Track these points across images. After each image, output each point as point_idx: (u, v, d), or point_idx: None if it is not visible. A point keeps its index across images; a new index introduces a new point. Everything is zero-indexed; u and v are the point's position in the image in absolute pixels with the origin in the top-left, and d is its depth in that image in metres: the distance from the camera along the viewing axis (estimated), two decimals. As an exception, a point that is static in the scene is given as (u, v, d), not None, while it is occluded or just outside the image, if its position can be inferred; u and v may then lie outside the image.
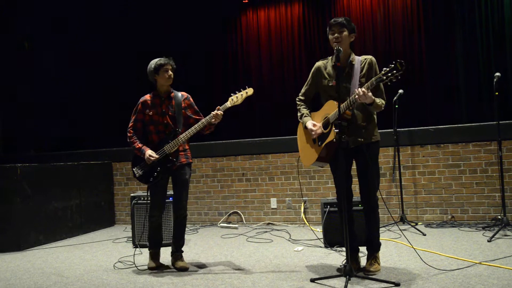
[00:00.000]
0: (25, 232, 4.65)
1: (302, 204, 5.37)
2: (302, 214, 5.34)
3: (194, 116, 3.60)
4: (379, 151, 3.22)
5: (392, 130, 4.87)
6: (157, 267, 3.54)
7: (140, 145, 3.48)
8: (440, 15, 6.52)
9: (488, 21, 6.12)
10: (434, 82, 6.51)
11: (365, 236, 3.19)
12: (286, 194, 5.48)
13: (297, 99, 3.35)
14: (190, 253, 4.08)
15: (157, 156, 3.41)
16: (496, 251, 3.49)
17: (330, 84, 3.09)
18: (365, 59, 3.06)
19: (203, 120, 3.42)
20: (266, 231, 5.00)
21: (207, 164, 5.82)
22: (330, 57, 3.17)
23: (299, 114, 3.27)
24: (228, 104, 3.39)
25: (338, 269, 3.20)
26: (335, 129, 2.86)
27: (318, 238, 4.34)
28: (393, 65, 2.68)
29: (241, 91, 3.41)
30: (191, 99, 3.64)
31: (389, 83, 2.75)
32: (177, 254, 3.58)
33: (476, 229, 4.44)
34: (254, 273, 3.27)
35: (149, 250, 3.65)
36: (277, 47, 7.57)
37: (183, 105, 3.56)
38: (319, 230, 4.72)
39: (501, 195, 4.37)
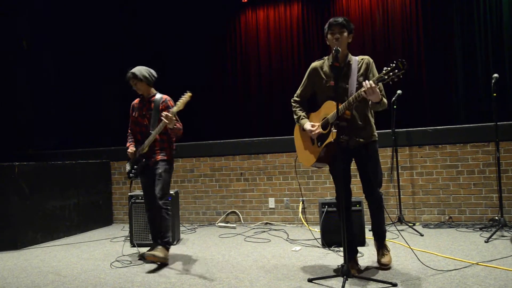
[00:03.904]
0: (22, 231, 4.64)
1: (300, 204, 5.37)
2: (300, 214, 5.35)
3: None
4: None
5: (390, 130, 4.88)
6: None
7: (128, 143, 3.89)
8: (438, 16, 6.53)
9: (487, 23, 6.13)
10: (432, 82, 6.52)
11: (373, 225, 3.26)
12: (284, 194, 5.49)
13: (292, 101, 3.34)
14: (188, 252, 4.09)
15: (131, 151, 3.79)
16: (493, 252, 3.50)
17: (327, 85, 3.09)
18: (362, 59, 3.07)
19: (160, 124, 3.59)
20: (264, 231, 5.00)
21: (206, 164, 5.82)
22: (326, 57, 3.18)
23: (295, 116, 3.28)
24: (175, 109, 3.48)
25: (336, 270, 3.21)
26: (334, 129, 2.86)
27: (316, 238, 4.35)
28: (394, 64, 2.63)
29: (182, 96, 3.48)
30: (169, 102, 3.78)
31: (390, 83, 2.69)
32: (153, 244, 3.81)
33: (473, 229, 4.45)
34: (251, 272, 3.27)
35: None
36: (276, 47, 7.57)
37: (160, 107, 3.74)
38: (317, 230, 4.72)
39: (498, 196, 4.38)
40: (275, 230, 5.05)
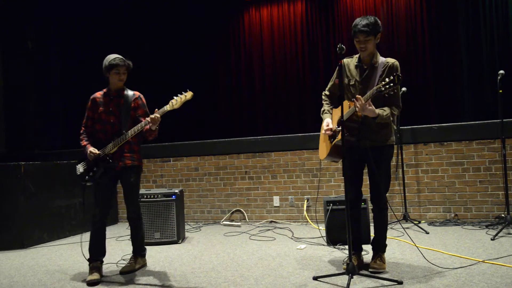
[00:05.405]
0: (28, 230, 4.68)
1: (305, 202, 5.37)
2: (305, 212, 5.34)
3: (142, 119, 3.35)
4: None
5: (395, 128, 4.85)
6: (97, 281, 3.15)
7: (85, 143, 3.35)
8: (443, 14, 6.49)
9: (492, 19, 6.09)
10: (437, 79, 6.49)
11: (373, 236, 3.21)
12: (288, 192, 5.48)
13: (323, 94, 3.38)
14: (193, 250, 4.10)
15: (98, 152, 3.24)
16: (499, 250, 3.48)
17: (351, 83, 3.09)
18: (387, 62, 3.03)
19: (141, 124, 3.20)
20: (268, 229, 5.00)
21: (210, 162, 5.83)
22: (356, 56, 3.16)
23: (321, 109, 3.32)
24: (167, 107, 3.09)
25: (341, 267, 3.20)
26: (339, 127, 2.88)
27: (321, 236, 4.34)
28: (392, 77, 2.75)
29: (180, 94, 3.09)
30: (142, 99, 3.45)
31: (386, 95, 2.80)
32: (131, 256, 3.57)
33: (479, 227, 4.43)
34: (257, 271, 3.27)
35: (88, 263, 3.30)
36: (280, 45, 7.55)
37: (132, 105, 3.38)
38: (321, 228, 4.72)
39: (504, 193, 4.35)
40: (280, 228, 5.05)
